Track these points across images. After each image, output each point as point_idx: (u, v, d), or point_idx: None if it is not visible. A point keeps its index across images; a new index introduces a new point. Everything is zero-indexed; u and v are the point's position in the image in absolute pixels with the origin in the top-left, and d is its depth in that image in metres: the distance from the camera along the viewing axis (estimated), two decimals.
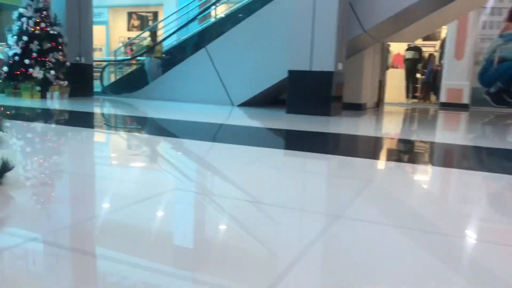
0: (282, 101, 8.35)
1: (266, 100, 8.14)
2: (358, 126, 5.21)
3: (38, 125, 4.09)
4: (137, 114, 5.89)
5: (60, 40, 7.37)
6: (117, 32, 17.63)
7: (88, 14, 8.27)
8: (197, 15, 9.98)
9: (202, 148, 3.02)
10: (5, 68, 7.21)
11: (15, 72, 7.14)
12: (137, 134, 4.05)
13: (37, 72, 7.07)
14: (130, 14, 17.79)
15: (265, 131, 4.35)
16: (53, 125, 4.17)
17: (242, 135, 3.89)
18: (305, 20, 5.82)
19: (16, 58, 7.10)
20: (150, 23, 17.01)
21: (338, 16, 5.68)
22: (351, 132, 4.57)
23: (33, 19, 7.12)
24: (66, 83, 7.39)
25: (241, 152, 2.83)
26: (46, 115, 5.18)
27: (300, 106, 5.95)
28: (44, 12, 7.22)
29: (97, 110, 6.21)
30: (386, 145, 3.83)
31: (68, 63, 7.53)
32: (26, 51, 7.09)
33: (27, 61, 7.04)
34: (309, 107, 5.87)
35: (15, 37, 7.18)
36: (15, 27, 7.20)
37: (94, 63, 12.36)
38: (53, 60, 7.24)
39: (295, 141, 3.75)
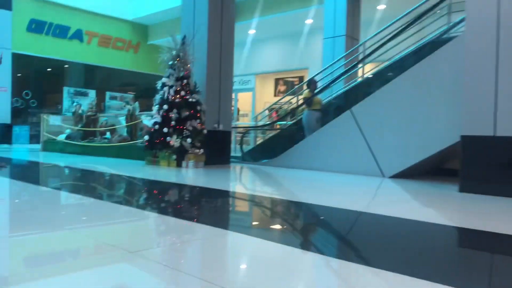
0: (447, 171, 6.77)
1: (426, 169, 6.65)
2: None
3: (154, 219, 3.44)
4: (280, 194, 4.88)
5: (198, 107, 7.16)
6: (263, 97, 17.96)
7: (229, 81, 8.06)
8: (341, 75, 9.14)
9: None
10: (146, 137, 7.21)
11: (155, 141, 7.07)
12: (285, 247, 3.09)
13: (174, 141, 6.88)
14: (277, 80, 18.06)
15: (447, 235, 2.85)
16: (170, 220, 3.46)
17: (413, 250, 2.60)
18: (484, 70, 4.42)
19: (157, 126, 7.04)
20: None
21: None
22: None
23: (174, 87, 7.07)
24: (201, 151, 7.05)
25: None
26: (173, 192, 4.64)
27: (480, 183, 4.40)
28: (185, 81, 7.13)
29: (232, 185, 5.48)
30: None
31: (205, 131, 7.24)
32: (165, 120, 7.01)
33: (165, 130, 6.92)
34: (493, 184, 4.29)
35: (157, 106, 7.19)
36: (158, 96, 7.24)
37: (237, 129, 12.36)
38: (190, 128, 7.01)
39: None
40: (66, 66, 16.25)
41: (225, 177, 6.01)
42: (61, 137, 10.60)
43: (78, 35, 15.84)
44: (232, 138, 11.08)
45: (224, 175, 6.28)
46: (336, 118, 7.08)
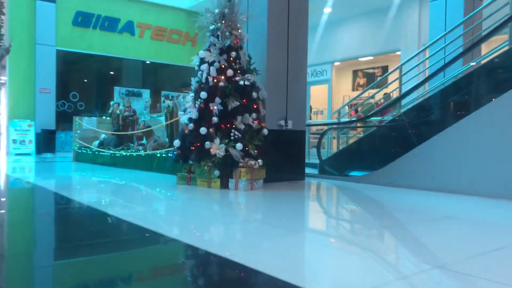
0: None
1: None
2: None
3: None
4: None
5: (254, 95, 4.57)
6: (341, 91, 15.13)
7: (302, 55, 5.38)
8: (473, 47, 5.97)
9: None
10: (177, 142, 4.74)
11: (190, 148, 4.59)
12: None
13: (217, 147, 4.34)
14: (355, 72, 15.18)
15: None
16: None
17: None
18: None
19: (191, 126, 4.56)
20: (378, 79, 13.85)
21: None
22: None
23: (217, 64, 4.54)
24: (260, 162, 4.43)
25: None
26: None
27: None
28: (233, 53, 4.58)
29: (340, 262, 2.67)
30: None
31: (265, 131, 4.63)
32: (204, 115, 4.50)
33: (203, 130, 4.40)
34: None
35: (192, 94, 4.71)
36: (194, 80, 4.76)
37: (311, 128, 9.59)
38: (242, 127, 4.43)
39: None
40: (117, 63, 14.53)
41: (309, 223, 3.30)
42: (95, 144, 8.58)
43: (129, 28, 14.02)
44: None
45: (301, 212, 3.59)
46: (488, 104, 4.13)
